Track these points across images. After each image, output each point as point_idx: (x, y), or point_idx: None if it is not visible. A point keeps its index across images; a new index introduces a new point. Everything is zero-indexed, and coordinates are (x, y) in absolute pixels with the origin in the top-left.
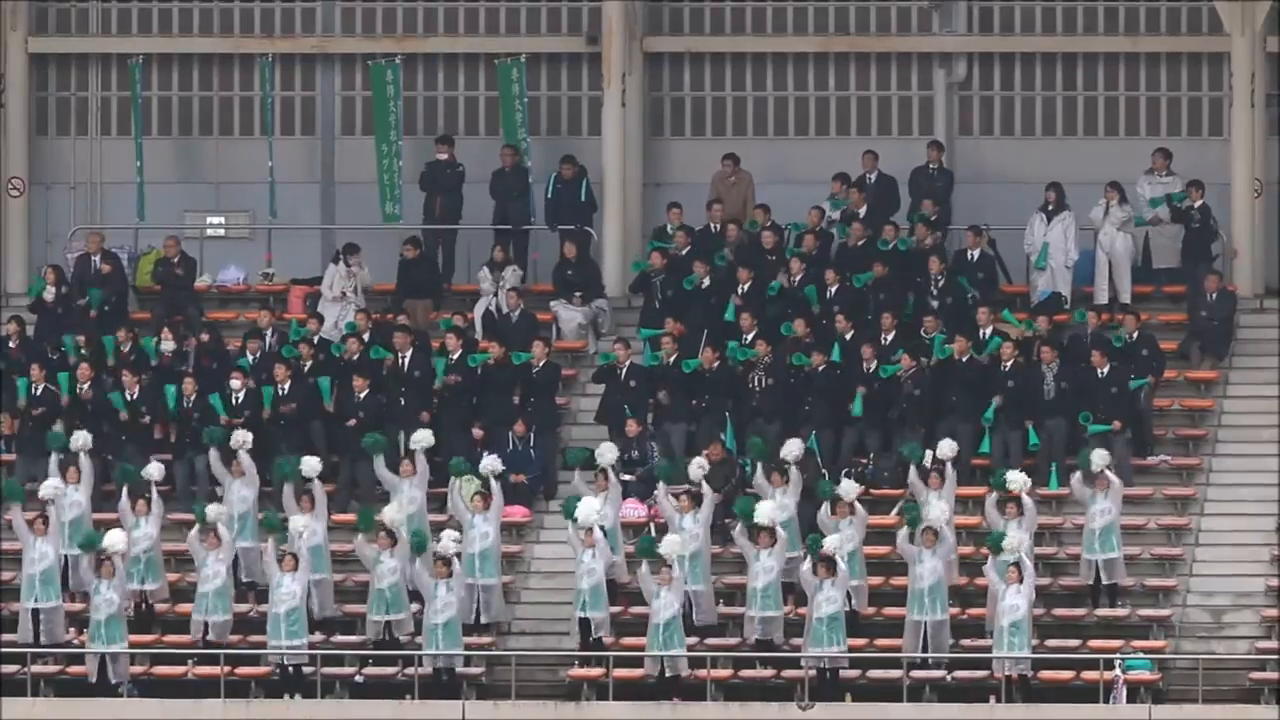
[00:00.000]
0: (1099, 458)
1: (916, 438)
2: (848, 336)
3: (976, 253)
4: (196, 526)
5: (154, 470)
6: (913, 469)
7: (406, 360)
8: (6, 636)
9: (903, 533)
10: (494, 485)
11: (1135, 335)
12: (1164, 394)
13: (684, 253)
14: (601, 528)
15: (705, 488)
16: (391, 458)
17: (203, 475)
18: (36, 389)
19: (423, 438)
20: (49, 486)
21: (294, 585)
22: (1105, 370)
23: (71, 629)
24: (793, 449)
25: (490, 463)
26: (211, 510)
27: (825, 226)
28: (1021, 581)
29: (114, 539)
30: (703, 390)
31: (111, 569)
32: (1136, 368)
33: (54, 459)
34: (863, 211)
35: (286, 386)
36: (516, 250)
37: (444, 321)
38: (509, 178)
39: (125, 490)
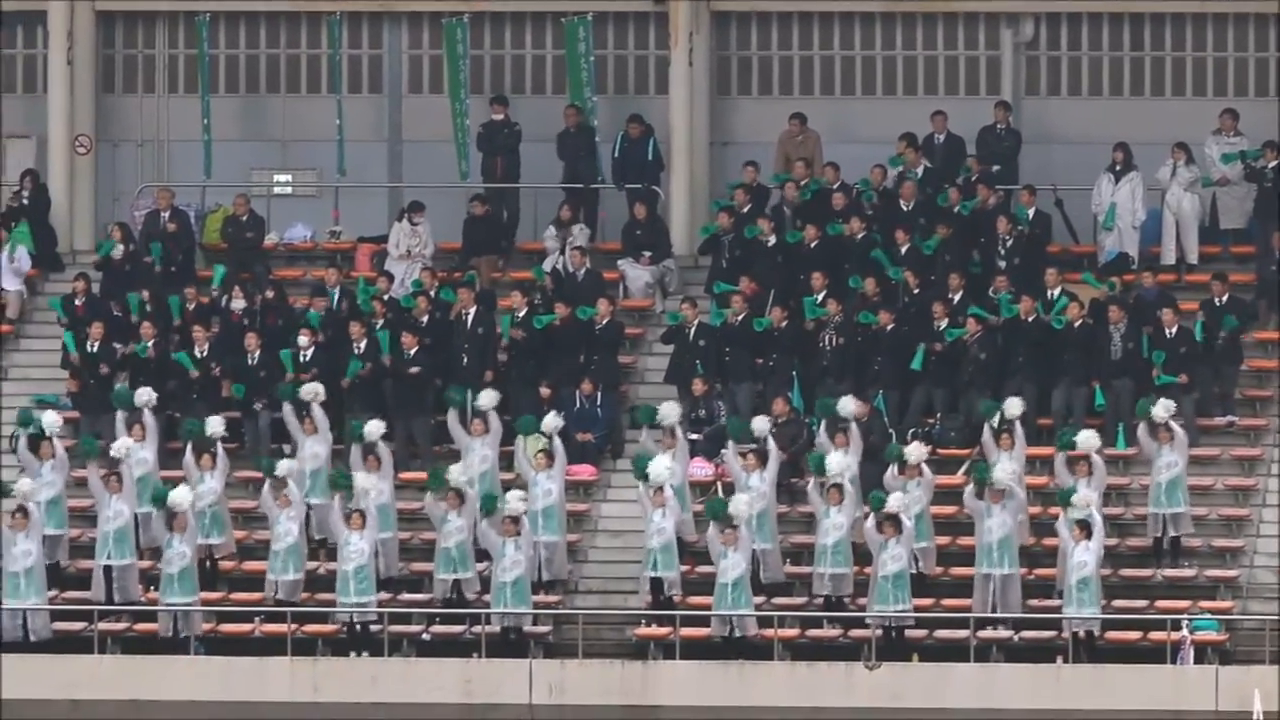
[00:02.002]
0: (1161, 409)
1: (984, 398)
2: (915, 292)
3: (1031, 211)
4: (268, 483)
5: (217, 425)
6: (986, 428)
7: (470, 318)
8: (80, 594)
9: (970, 489)
10: (555, 443)
11: (1226, 298)
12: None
13: (745, 210)
14: (671, 485)
15: (771, 445)
16: (462, 415)
17: (266, 433)
18: (93, 346)
19: (488, 399)
20: (121, 445)
21: (362, 543)
22: (1175, 330)
23: (139, 586)
24: (847, 407)
25: (551, 420)
26: (282, 466)
27: (889, 185)
28: (1089, 538)
29: (178, 497)
30: (771, 349)
31: (184, 523)
32: (1226, 331)
33: (120, 416)
34: (921, 171)
35: (363, 345)
36: (587, 209)
37: (537, 270)
38: (575, 137)
39: (190, 446)
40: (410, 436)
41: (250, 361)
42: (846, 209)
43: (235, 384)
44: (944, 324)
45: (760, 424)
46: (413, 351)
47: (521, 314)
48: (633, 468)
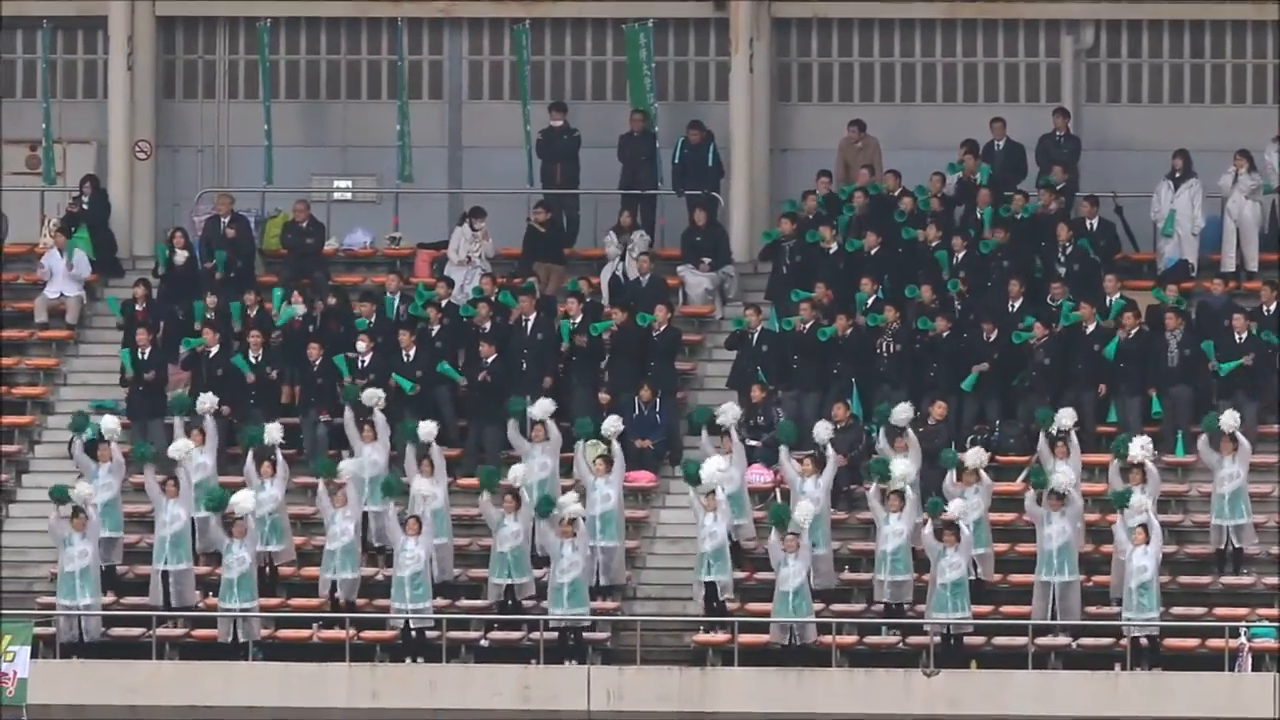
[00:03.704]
0: (1230, 418)
1: (1044, 404)
2: (966, 298)
3: (1094, 221)
4: (322, 483)
5: (275, 432)
6: (1042, 436)
7: (530, 324)
8: (141, 601)
9: (1030, 495)
10: (615, 447)
11: (1275, 306)
12: None
13: (811, 217)
14: (725, 490)
15: (829, 451)
16: (522, 423)
17: (324, 440)
18: (143, 353)
19: (544, 407)
20: (178, 447)
21: (418, 549)
22: (1244, 335)
23: (196, 592)
24: (902, 414)
25: (612, 423)
26: (345, 466)
27: (947, 192)
28: (1148, 543)
29: (242, 500)
30: (835, 357)
31: (244, 528)
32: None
33: (178, 422)
34: (978, 177)
35: (412, 353)
36: (644, 215)
37: (571, 283)
38: (636, 142)
39: (251, 453)
40: (480, 443)
41: (312, 368)
42: (913, 215)
43: (349, 387)
44: (994, 336)
45: (822, 430)
46: (490, 360)
47: (578, 320)
48: (683, 473)
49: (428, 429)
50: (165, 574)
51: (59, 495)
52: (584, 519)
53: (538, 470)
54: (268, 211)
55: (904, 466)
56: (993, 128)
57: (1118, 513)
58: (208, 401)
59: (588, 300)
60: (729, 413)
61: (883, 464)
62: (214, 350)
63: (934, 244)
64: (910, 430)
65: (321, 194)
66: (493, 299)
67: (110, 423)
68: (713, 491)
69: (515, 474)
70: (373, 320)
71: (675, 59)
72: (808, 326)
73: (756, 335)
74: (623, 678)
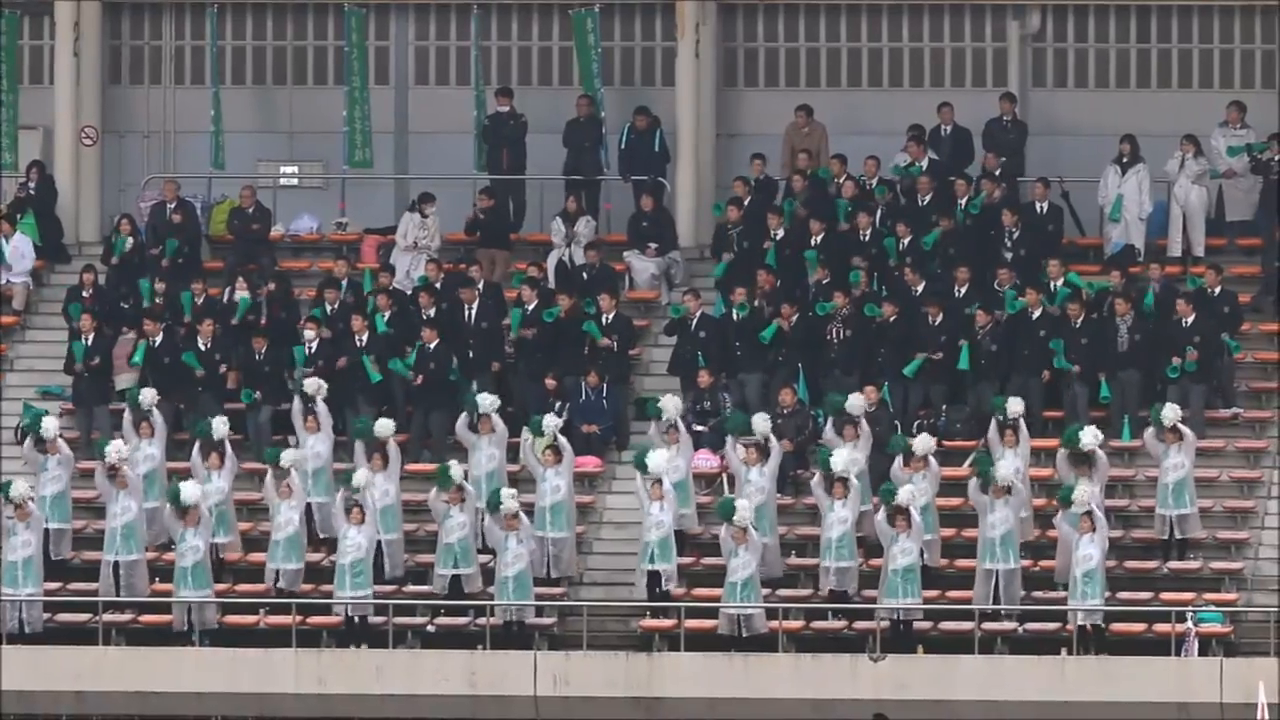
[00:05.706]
0: (1170, 412)
1: (990, 391)
2: (917, 290)
3: (1045, 205)
4: (270, 474)
5: (221, 427)
6: (993, 423)
7: (473, 313)
8: (88, 587)
9: (974, 483)
10: (561, 440)
11: (1218, 290)
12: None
13: (746, 202)
14: (671, 479)
15: (772, 440)
16: (472, 415)
17: (267, 426)
18: (87, 340)
19: (488, 401)
20: (114, 449)
21: (360, 538)
22: (1190, 320)
23: (146, 581)
24: (856, 403)
25: (550, 420)
26: (286, 456)
27: (885, 178)
28: (1094, 531)
29: (188, 492)
30: (780, 342)
31: (196, 517)
32: (1218, 323)
33: (127, 415)
34: (925, 164)
35: (365, 338)
36: (588, 200)
37: (516, 275)
38: (583, 127)
39: (198, 444)
40: (427, 429)
41: (256, 357)
42: (857, 200)
43: (245, 390)
44: (940, 319)
45: (760, 422)
46: (432, 346)
47: (532, 307)
48: (634, 461)
49: (385, 426)
50: (116, 564)
51: (7, 492)
52: (523, 514)
53: (485, 462)
54: (214, 197)
55: (846, 455)
56: (940, 113)
57: (1061, 508)
58: (149, 395)
59: (540, 286)
60: (670, 407)
61: (828, 453)
62: (158, 338)
63: (865, 230)
64: (863, 418)
65: (268, 179)
66: (436, 286)
67: (51, 423)
68: (659, 480)
69: (456, 474)
70: (335, 307)
71: (621, 44)
72: (745, 313)
73: (696, 321)
74: (569, 663)
